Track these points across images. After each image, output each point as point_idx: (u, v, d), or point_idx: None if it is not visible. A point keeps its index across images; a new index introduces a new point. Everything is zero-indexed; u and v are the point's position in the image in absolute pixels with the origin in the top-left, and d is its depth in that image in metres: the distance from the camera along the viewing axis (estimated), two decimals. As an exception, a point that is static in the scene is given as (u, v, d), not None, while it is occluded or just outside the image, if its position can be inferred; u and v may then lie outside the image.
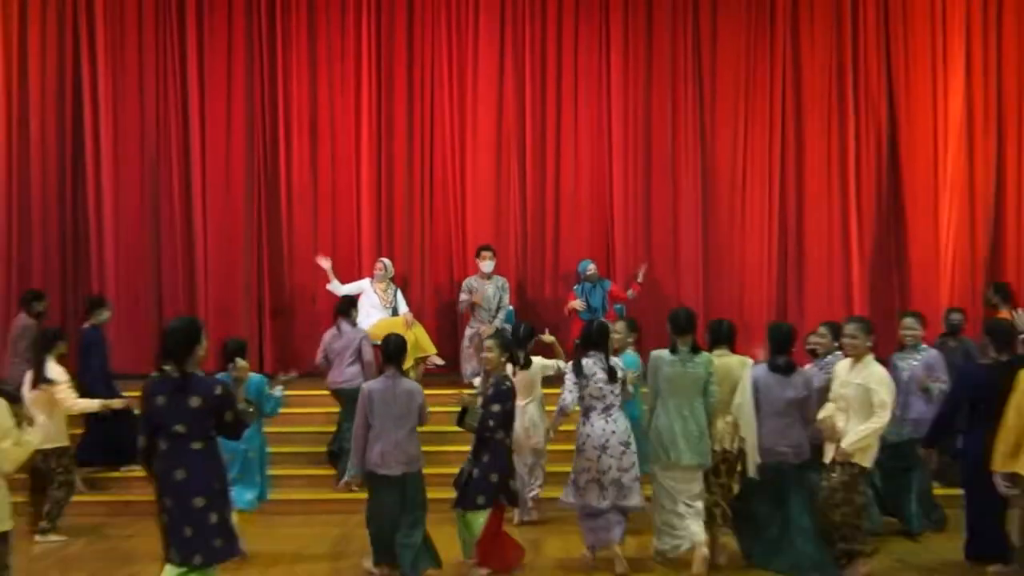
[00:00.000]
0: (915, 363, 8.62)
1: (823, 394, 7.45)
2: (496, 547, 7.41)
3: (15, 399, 6.64)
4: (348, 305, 10.57)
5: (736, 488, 7.79)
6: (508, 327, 11.16)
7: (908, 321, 8.84)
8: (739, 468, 7.71)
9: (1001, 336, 7.48)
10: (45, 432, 8.32)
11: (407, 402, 7.25)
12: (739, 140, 12.90)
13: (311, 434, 10.29)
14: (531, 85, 12.85)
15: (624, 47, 12.83)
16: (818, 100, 12.83)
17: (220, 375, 6.84)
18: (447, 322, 12.63)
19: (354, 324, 10.43)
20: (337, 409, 9.94)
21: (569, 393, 7.55)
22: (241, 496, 7.66)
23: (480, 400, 7.44)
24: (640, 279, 11.70)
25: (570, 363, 7.94)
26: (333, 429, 9.95)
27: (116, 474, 9.94)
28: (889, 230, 12.86)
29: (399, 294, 11.62)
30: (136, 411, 6.44)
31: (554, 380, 8.69)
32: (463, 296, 11.70)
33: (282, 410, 8.31)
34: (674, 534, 7.51)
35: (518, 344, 8.62)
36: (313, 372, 10.34)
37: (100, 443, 9.81)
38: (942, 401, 8.02)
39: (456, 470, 7.65)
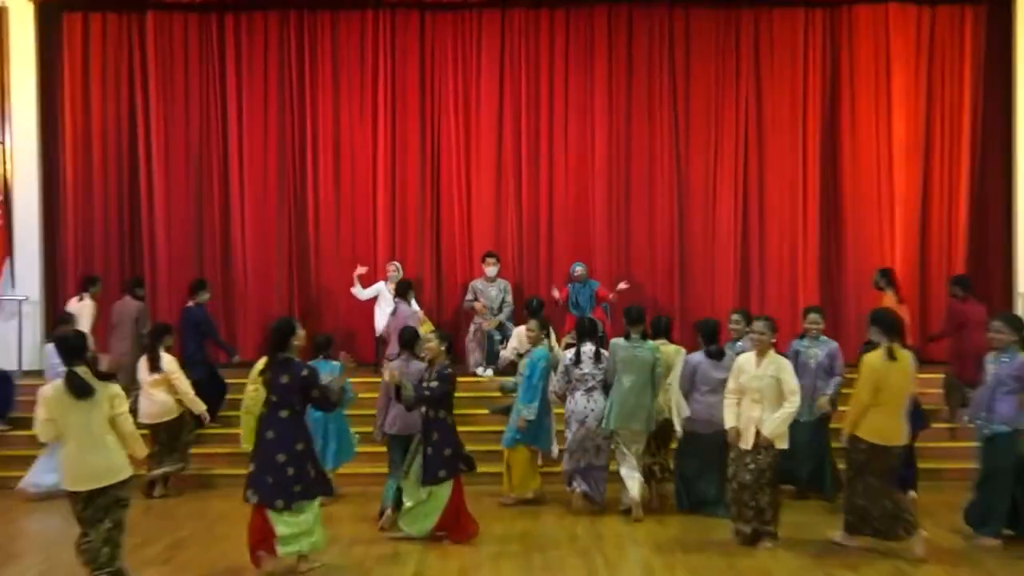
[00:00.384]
0: (819, 351, 8.85)
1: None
2: (458, 519, 7.62)
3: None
4: (406, 288, 11.08)
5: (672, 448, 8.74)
6: (510, 324, 11.61)
7: (813, 316, 9.09)
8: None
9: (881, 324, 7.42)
10: (164, 407, 9.32)
11: (418, 380, 7.85)
12: (709, 161, 12.87)
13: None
14: (526, 114, 12.89)
15: (607, 81, 12.84)
16: (777, 127, 12.85)
17: (315, 363, 7.96)
18: (455, 319, 12.68)
19: (410, 304, 10.93)
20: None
21: (556, 382, 8.68)
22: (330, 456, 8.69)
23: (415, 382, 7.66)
24: (620, 289, 11.72)
25: (567, 351, 8.89)
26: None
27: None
28: (831, 240, 12.94)
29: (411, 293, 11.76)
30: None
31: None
32: (468, 296, 11.91)
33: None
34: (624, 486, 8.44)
35: (532, 313, 9.88)
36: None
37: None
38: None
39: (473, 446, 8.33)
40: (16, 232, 12.43)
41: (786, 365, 7.40)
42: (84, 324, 10.42)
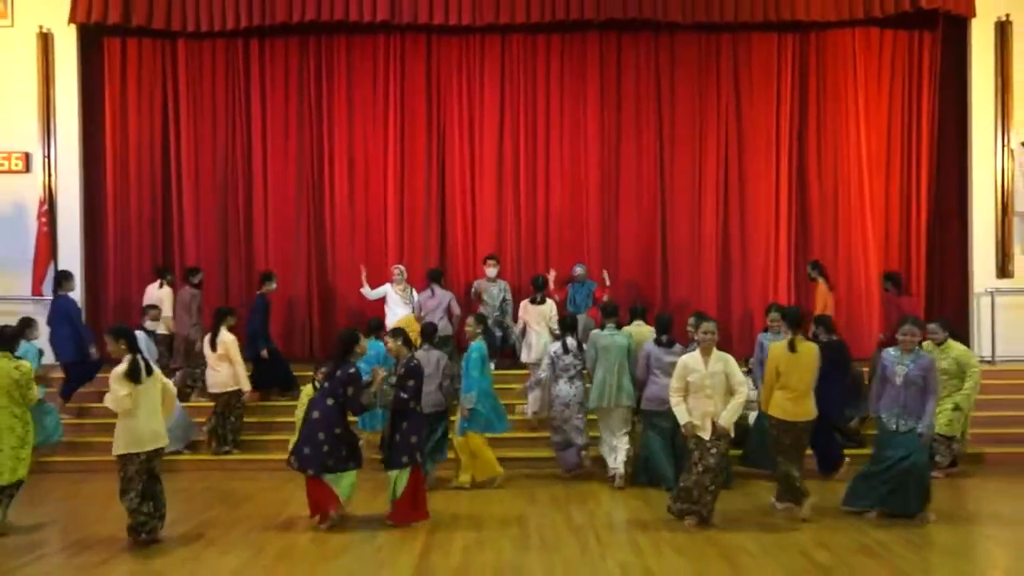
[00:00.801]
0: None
1: None
2: (409, 506, 7.53)
3: None
4: (438, 274, 11.47)
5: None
6: (510, 321, 11.58)
7: (773, 314, 9.28)
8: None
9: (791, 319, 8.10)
10: (223, 379, 9.98)
11: (436, 365, 8.68)
12: (692, 174, 12.82)
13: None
14: (524, 130, 12.86)
15: (599, 100, 12.82)
16: (754, 142, 12.82)
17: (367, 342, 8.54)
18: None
19: (442, 287, 11.25)
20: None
21: (543, 372, 9.24)
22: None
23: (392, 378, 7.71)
24: (607, 282, 11.80)
25: (555, 343, 9.40)
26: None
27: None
28: (802, 245, 12.89)
29: (414, 293, 11.67)
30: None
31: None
32: (474, 291, 11.86)
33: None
34: (608, 459, 8.91)
35: (538, 289, 10.80)
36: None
37: (266, 378, 10.79)
38: None
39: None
40: (60, 238, 12.42)
41: (731, 360, 7.45)
42: (166, 308, 11.24)
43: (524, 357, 11.04)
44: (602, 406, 8.91)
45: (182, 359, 11.10)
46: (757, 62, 12.92)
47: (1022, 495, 8.74)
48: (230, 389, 10.04)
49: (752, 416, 9.11)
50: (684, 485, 7.39)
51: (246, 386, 10.14)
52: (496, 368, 11.42)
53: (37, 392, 7.85)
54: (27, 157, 12.41)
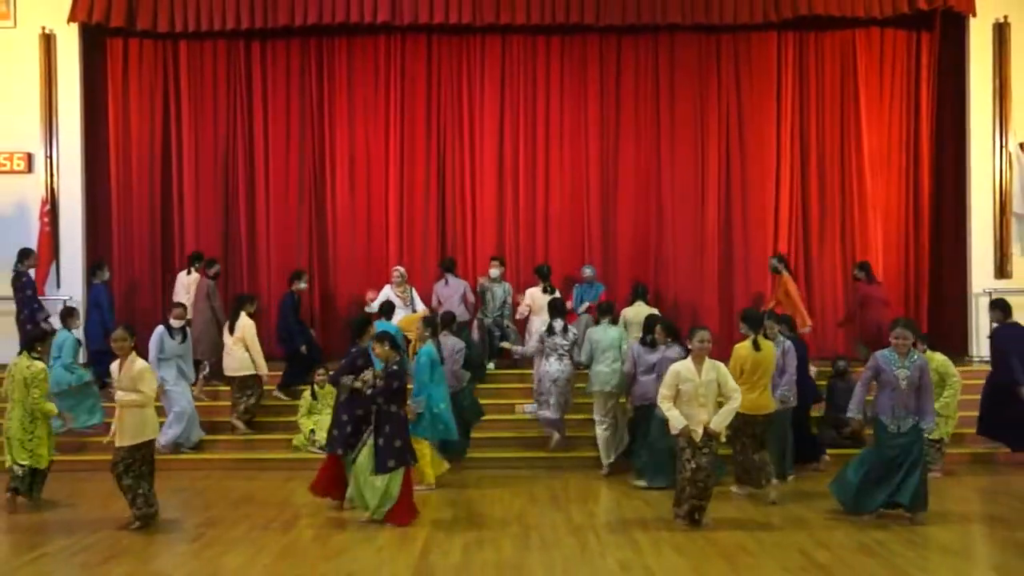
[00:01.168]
0: (775, 351, 8.73)
1: (664, 365, 8.27)
2: (407, 507, 7.54)
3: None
4: (452, 263, 11.75)
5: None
6: (510, 323, 11.57)
7: (767, 322, 9.03)
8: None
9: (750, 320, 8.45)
10: (242, 361, 10.23)
11: (451, 351, 9.32)
12: (693, 173, 12.82)
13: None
14: (524, 130, 12.87)
15: (599, 100, 12.83)
16: (755, 140, 12.82)
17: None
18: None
19: (456, 276, 11.55)
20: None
21: (530, 346, 10.06)
22: None
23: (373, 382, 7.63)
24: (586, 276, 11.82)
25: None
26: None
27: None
28: (804, 242, 12.90)
29: (414, 293, 11.70)
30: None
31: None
32: (477, 288, 11.74)
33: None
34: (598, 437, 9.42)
35: (543, 278, 11.32)
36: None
37: (301, 375, 10.82)
38: None
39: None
40: (62, 238, 12.39)
41: (723, 367, 7.46)
42: (193, 294, 11.34)
43: (521, 345, 10.97)
44: (593, 391, 9.42)
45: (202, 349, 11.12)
46: (757, 63, 12.91)
47: (1020, 495, 8.70)
48: (243, 373, 10.26)
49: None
50: (681, 486, 7.33)
51: (263, 370, 10.34)
52: (496, 368, 11.48)
53: (41, 399, 8.19)
54: (29, 157, 12.39)
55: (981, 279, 12.47)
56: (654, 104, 12.92)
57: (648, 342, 9.10)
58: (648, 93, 12.92)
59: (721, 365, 7.43)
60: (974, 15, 12.38)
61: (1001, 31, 12.47)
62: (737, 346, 8.34)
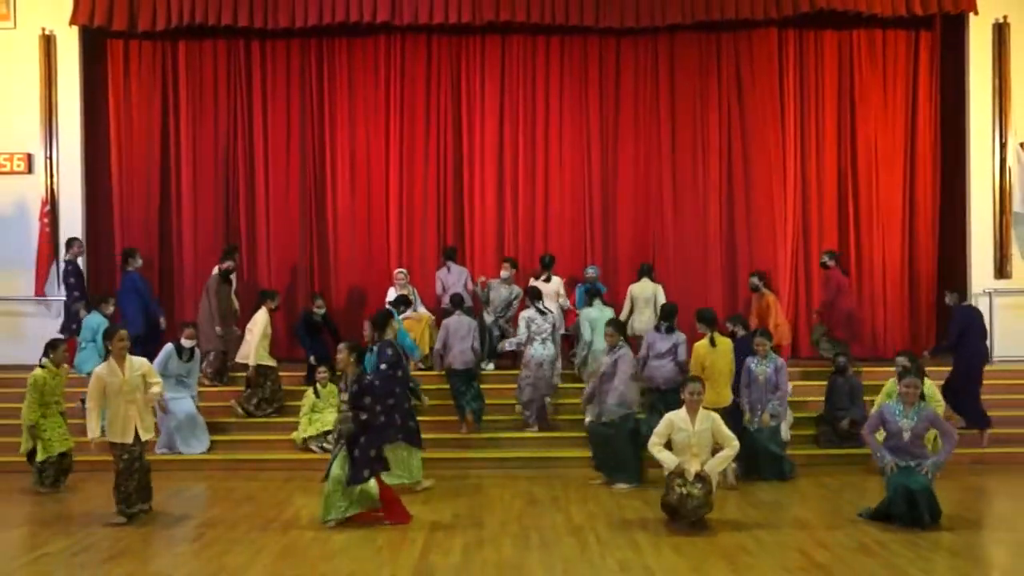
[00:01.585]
0: (767, 368, 9.10)
1: (677, 350, 9.29)
2: (396, 504, 7.57)
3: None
4: (453, 251, 12.03)
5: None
6: (510, 327, 11.55)
7: (759, 339, 9.31)
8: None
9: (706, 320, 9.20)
10: (244, 351, 10.70)
11: (468, 328, 10.16)
12: (694, 173, 12.84)
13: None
14: (524, 130, 12.86)
15: (599, 99, 12.83)
16: (755, 142, 12.82)
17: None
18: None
19: (457, 263, 11.87)
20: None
21: (521, 335, 10.22)
22: None
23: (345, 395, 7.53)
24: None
25: (529, 310, 10.28)
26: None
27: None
28: (805, 243, 12.91)
29: (417, 295, 11.73)
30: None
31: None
32: (480, 286, 11.73)
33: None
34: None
35: (545, 268, 11.59)
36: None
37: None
38: None
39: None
40: (62, 239, 12.33)
41: (717, 417, 7.48)
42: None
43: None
44: (593, 370, 9.75)
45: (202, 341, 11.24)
46: (758, 62, 12.91)
47: (1021, 495, 8.71)
48: (246, 361, 10.55)
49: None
50: (666, 502, 7.23)
51: (252, 361, 10.53)
52: (496, 369, 11.48)
53: (28, 405, 8.77)
54: (29, 158, 12.41)
55: (981, 279, 12.48)
56: (654, 103, 12.93)
57: (664, 329, 9.46)
58: (648, 92, 12.93)
59: (716, 416, 7.43)
60: (975, 12, 12.37)
61: (1001, 31, 12.48)
62: (697, 344, 8.95)
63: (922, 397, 7.55)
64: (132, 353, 9.52)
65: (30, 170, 12.39)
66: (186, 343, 10.08)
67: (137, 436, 7.63)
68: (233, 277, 11.67)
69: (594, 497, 8.44)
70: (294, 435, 10.07)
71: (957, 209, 12.88)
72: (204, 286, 11.57)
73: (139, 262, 11.56)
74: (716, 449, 7.50)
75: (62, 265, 11.75)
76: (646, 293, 11.21)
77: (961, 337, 10.23)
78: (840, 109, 12.92)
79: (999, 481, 9.15)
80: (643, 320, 11.12)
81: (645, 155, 12.94)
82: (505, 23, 12.38)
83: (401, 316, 11.31)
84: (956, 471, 9.34)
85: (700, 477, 7.17)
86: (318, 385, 10.22)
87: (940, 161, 12.99)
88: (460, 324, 10.16)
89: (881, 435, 7.65)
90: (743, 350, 9.41)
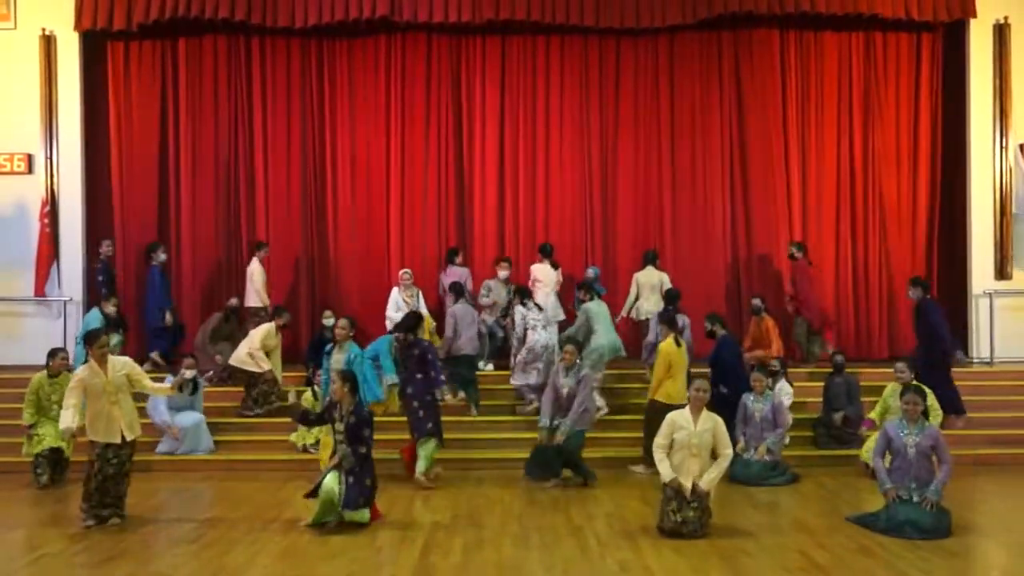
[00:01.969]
0: (764, 406, 9.17)
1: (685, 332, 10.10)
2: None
3: None
4: (454, 253, 12.18)
5: None
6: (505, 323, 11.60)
7: (756, 375, 9.34)
8: None
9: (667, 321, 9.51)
10: (238, 355, 10.68)
11: (473, 316, 10.73)
12: (695, 173, 12.87)
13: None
14: (524, 130, 12.88)
15: (600, 98, 12.86)
16: (755, 143, 12.86)
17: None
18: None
19: (457, 264, 12.02)
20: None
21: (518, 328, 10.60)
22: None
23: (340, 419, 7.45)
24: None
25: (520, 307, 10.66)
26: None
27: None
28: (804, 241, 12.73)
29: (420, 296, 11.77)
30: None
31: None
32: (483, 292, 11.73)
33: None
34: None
35: (546, 255, 11.82)
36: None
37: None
38: None
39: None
40: (62, 239, 12.41)
41: (720, 421, 7.31)
42: (257, 281, 11.88)
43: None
44: (605, 360, 10.26)
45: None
46: (759, 63, 12.94)
47: (1021, 496, 8.72)
48: (238, 365, 10.62)
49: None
50: (662, 528, 7.12)
51: (233, 361, 10.71)
52: (496, 368, 11.49)
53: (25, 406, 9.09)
54: (29, 158, 12.42)
55: (981, 280, 12.49)
56: (654, 103, 12.96)
57: (674, 310, 10.24)
58: (648, 92, 12.96)
59: (719, 420, 7.28)
60: (974, 16, 12.39)
61: (1001, 32, 12.49)
62: (662, 345, 9.27)
63: (924, 414, 7.44)
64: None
65: (30, 170, 12.40)
66: (187, 374, 10.05)
67: (124, 438, 7.53)
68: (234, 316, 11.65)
69: (594, 497, 8.44)
70: (293, 437, 10.06)
71: (957, 210, 12.89)
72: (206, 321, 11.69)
73: (161, 257, 11.88)
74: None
75: (98, 264, 12.08)
76: (652, 280, 11.53)
77: (930, 328, 10.37)
78: (840, 110, 12.94)
79: (1000, 482, 9.15)
80: (651, 303, 11.46)
81: (645, 155, 12.97)
82: (505, 22, 12.41)
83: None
84: (956, 472, 9.21)
85: (696, 494, 7.02)
86: (316, 387, 10.21)
87: (941, 162, 13.00)
88: (466, 311, 10.62)
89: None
90: (726, 349, 9.81)
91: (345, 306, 12.73)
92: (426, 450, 8.84)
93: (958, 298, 12.77)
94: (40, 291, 12.20)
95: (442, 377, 9.08)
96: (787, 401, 9.93)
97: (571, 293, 11.91)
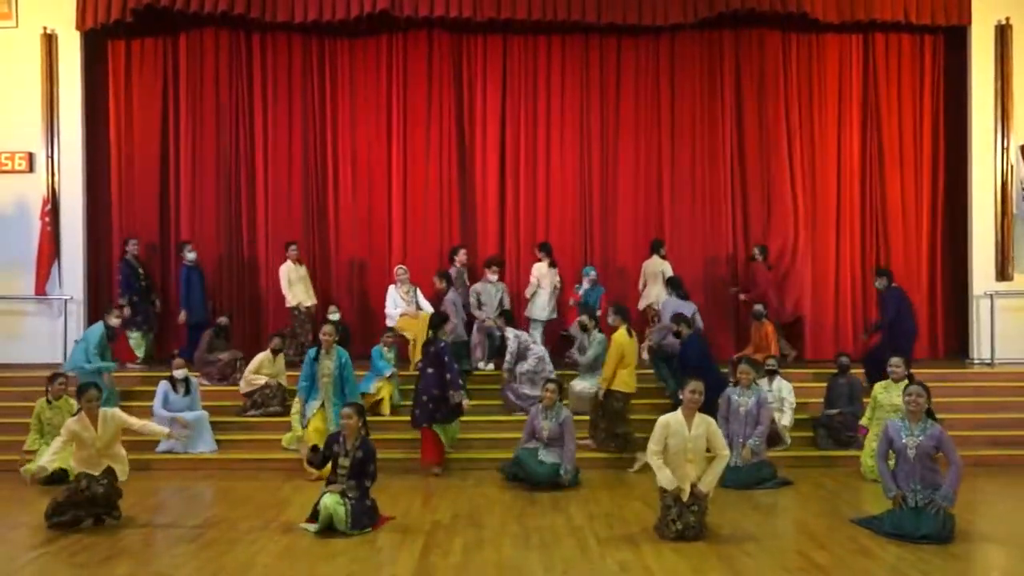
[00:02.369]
0: (749, 400, 8.92)
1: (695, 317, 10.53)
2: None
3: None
4: (454, 251, 12.20)
5: None
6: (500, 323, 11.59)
7: (744, 367, 9.11)
8: None
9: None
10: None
11: (456, 304, 11.02)
12: (695, 173, 12.92)
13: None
14: (525, 129, 12.94)
15: (600, 97, 12.92)
16: (756, 143, 12.91)
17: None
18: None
19: (455, 265, 12.01)
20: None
21: (511, 346, 10.65)
22: None
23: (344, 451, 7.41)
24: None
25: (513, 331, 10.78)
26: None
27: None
28: (804, 242, 12.94)
29: (418, 292, 11.74)
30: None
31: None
32: (472, 299, 11.73)
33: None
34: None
35: (547, 254, 12.01)
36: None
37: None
38: None
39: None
40: (63, 238, 12.41)
41: (713, 423, 7.20)
42: (282, 281, 12.03)
43: (532, 312, 11.92)
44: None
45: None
46: (759, 65, 12.99)
47: (1021, 497, 8.71)
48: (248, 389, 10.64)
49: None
50: (664, 536, 7.01)
51: (242, 390, 10.69)
52: (495, 369, 11.48)
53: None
54: (31, 157, 12.45)
55: (982, 281, 12.51)
56: (655, 103, 13.00)
57: (680, 298, 10.92)
58: (649, 92, 13.01)
59: (712, 421, 7.21)
60: (970, 22, 12.42)
61: (1003, 33, 12.49)
62: (615, 335, 9.49)
63: (930, 415, 7.17)
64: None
65: (31, 169, 12.43)
66: (177, 374, 10.08)
67: (108, 470, 7.52)
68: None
69: (594, 498, 8.44)
70: (284, 440, 10.01)
71: (958, 211, 12.89)
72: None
73: (189, 255, 11.99)
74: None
75: (120, 262, 12.23)
76: (655, 269, 11.93)
77: (895, 316, 10.79)
78: (841, 111, 12.97)
79: (1000, 483, 9.14)
80: (654, 293, 11.85)
81: (646, 154, 13.01)
82: (506, 21, 12.39)
83: (400, 314, 11.46)
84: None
85: (694, 496, 6.97)
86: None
87: (943, 163, 13.00)
88: (456, 299, 11.18)
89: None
90: (691, 348, 9.92)
91: (346, 304, 12.81)
92: (448, 432, 9.40)
93: (959, 299, 12.77)
94: (41, 290, 12.23)
95: (459, 380, 9.30)
96: (789, 397, 9.88)
97: (569, 293, 11.94)
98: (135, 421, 7.91)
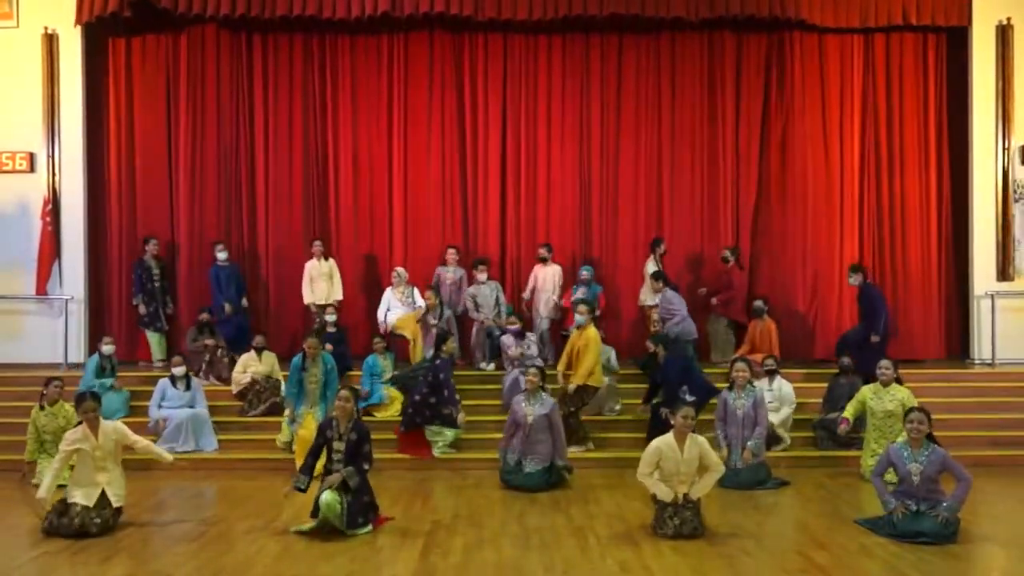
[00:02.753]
0: (745, 401, 8.85)
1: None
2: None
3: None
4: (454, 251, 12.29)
5: None
6: (500, 321, 11.59)
7: (739, 365, 9.07)
8: None
9: None
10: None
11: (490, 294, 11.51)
12: (694, 172, 12.87)
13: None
14: (525, 128, 12.89)
15: (601, 96, 12.85)
16: (756, 141, 12.87)
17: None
18: (460, 318, 12.46)
19: (450, 265, 12.09)
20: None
21: (511, 353, 10.79)
22: None
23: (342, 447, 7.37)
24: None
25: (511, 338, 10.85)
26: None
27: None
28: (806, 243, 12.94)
29: (416, 293, 11.76)
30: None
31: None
32: (469, 304, 11.78)
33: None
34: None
35: (547, 254, 12.08)
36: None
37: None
38: None
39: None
40: (63, 238, 12.41)
41: (704, 442, 7.25)
42: (304, 278, 12.09)
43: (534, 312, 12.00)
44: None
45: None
46: (760, 65, 12.92)
47: (1021, 497, 8.70)
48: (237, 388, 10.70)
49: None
50: (663, 535, 7.01)
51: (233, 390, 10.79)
52: (495, 369, 11.49)
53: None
54: (31, 157, 12.45)
55: (983, 282, 12.49)
56: (655, 102, 12.96)
57: (672, 287, 11.24)
58: (650, 91, 12.96)
59: (704, 442, 7.24)
60: (969, 23, 12.40)
61: (1004, 33, 12.48)
62: (590, 332, 9.64)
63: (931, 439, 7.13)
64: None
65: (32, 169, 12.43)
66: (176, 371, 10.08)
67: (102, 500, 7.30)
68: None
69: (594, 498, 8.44)
70: (278, 440, 9.98)
71: (959, 211, 12.88)
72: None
73: (220, 255, 12.01)
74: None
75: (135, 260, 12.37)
76: (647, 269, 12.04)
77: (871, 310, 10.91)
78: (843, 111, 12.92)
79: (1000, 483, 9.12)
80: (646, 292, 12.01)
81: (646, 154, 12.97)
82: (507, 21, 12.35)
83: (397, 313, 11.51)
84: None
85: (687, 498, 7.06)
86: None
87: (943, 163, 12.97)
88: (480, 289, 11.70)
89: (891, 476, 7.34)
90: (671, 367, 9.76)
91: (347, 305, 12.71)
92: (444, 437, 9.68)
93: (960, 300, 12.76)
94: (41, 290, 12.23)
95: (456, 397, 9.68)
96: (790, 397, 9.87)
97: (568, 293, 11.93)
98: (139, 440, 7.78)
